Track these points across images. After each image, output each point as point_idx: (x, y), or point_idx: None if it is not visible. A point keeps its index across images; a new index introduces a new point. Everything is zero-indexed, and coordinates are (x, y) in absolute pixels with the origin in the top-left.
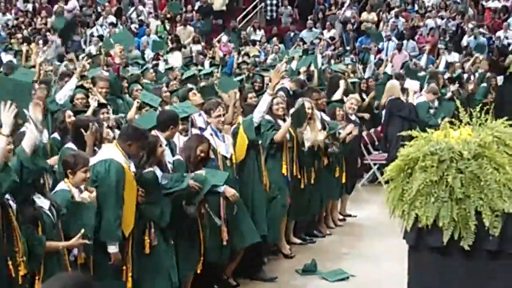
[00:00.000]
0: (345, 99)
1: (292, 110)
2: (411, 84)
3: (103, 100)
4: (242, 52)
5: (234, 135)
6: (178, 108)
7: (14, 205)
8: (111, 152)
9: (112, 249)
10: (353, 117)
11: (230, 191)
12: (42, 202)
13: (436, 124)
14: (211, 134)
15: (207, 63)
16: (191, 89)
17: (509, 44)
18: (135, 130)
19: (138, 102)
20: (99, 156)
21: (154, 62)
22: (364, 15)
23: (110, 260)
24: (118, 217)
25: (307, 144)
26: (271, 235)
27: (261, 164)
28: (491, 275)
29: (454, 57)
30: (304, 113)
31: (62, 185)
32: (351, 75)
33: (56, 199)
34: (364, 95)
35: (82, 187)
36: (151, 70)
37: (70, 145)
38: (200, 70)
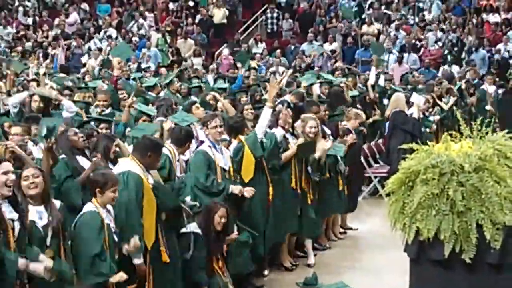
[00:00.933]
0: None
1: (298, 142)
2: (417, 99)
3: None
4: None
5: (237, 152)
6: (178, 117)
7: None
8: (128, 165)
9: (137, 260)
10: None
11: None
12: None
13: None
14: (209, 146)
15: (210, 77)
16: (194, 102)
17: (510, 57)
18: (152, 142)
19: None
20: (116, 169)
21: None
22: (365, 28)
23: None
24: (141, 227)
25: (317, 155)
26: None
27: (266, 177)
28: None
29: (454, 69)
30: (310, 145)
31: (90, 206)
32: (352, 88)
33: (85, 221)
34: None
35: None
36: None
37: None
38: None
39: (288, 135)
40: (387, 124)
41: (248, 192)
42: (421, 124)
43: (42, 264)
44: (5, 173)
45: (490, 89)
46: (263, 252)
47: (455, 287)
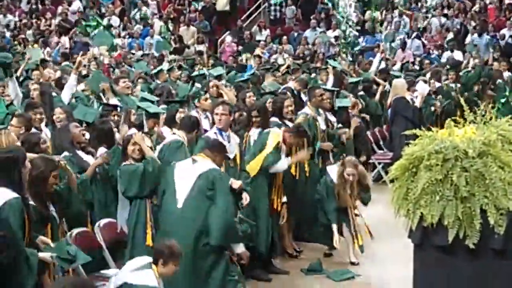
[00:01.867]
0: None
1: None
2: (422, 88)
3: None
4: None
5: (261, 143)
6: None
7: None
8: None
9: (241, 248)
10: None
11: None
12: None
13: None
14: (215, 133)
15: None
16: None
17: None
18: (218, 142)
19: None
20: (202, 167)
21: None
22: (368, 14)
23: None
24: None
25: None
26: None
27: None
28: (496, 274)
29: (458, 55)
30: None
31: (148, 276)
32: (353, 74)
33: None
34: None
35: None
36: (165, 71)
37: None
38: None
39: (289, 123)
40: (389, 111)
41: (245, 198)
42: (422, 113)
43: (48, 254)
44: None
45: (504, 75)
46: (265, 251)
47: (459, 272)
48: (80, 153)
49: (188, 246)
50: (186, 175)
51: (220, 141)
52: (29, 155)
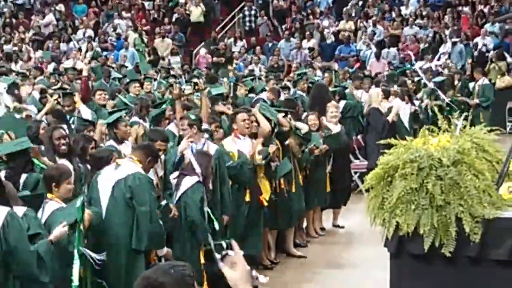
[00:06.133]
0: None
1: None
2: (397, 103)
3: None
4: None
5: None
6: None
7: None
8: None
9: (163, 251)
10: (338, 126)
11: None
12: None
13: None
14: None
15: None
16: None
17: (487, 51)
18: (146, 144)
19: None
20: (121, 172)
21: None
22: (342, 24)
23: None
24: None
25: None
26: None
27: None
28: (472, 282)
29: (431, 64)
30: None
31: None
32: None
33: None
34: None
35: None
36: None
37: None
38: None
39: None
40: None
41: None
42: (394, 127)
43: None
44: None
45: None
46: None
47: (435, 281)
48: (64, 161)
49: (121, 252)
50: (106, 182)
51: (147, 144)
52: None
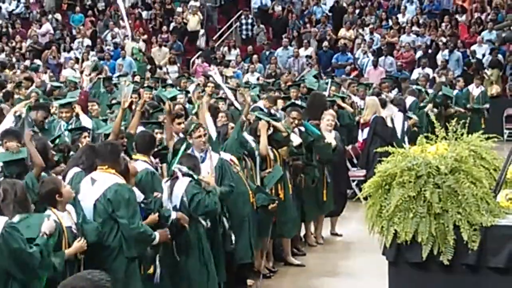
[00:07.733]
0: None
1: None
2: (390, 111)
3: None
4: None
5: None
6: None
7: None
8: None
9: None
10: (332, 134)
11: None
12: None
13: None
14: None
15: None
16: None
17: (484, 57)
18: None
19: None
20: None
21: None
22: (342, 31)
23: None
24: None
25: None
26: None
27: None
28: None
29: (428, 72)
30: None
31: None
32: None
33: None
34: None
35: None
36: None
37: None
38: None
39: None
40: (366, 129)
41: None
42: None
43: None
44: None
45: (476, 91)
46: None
47: None
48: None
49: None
50: (87, 202)
51: (104, 146)
52: None
